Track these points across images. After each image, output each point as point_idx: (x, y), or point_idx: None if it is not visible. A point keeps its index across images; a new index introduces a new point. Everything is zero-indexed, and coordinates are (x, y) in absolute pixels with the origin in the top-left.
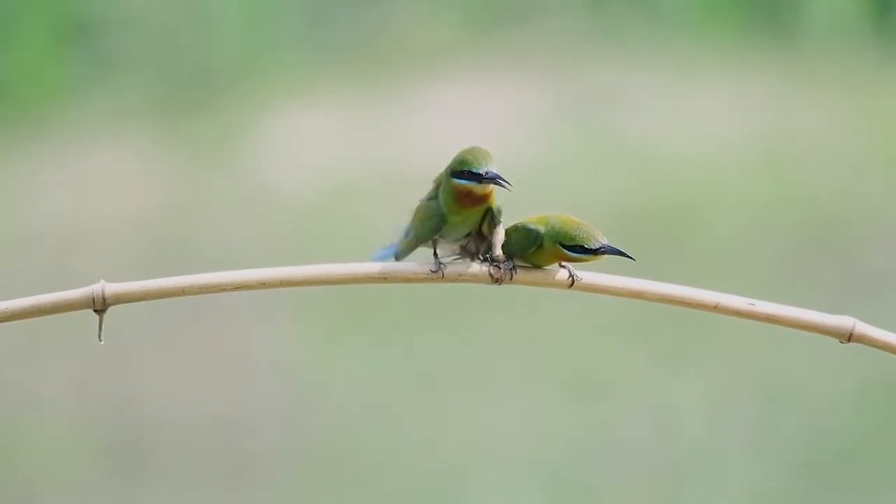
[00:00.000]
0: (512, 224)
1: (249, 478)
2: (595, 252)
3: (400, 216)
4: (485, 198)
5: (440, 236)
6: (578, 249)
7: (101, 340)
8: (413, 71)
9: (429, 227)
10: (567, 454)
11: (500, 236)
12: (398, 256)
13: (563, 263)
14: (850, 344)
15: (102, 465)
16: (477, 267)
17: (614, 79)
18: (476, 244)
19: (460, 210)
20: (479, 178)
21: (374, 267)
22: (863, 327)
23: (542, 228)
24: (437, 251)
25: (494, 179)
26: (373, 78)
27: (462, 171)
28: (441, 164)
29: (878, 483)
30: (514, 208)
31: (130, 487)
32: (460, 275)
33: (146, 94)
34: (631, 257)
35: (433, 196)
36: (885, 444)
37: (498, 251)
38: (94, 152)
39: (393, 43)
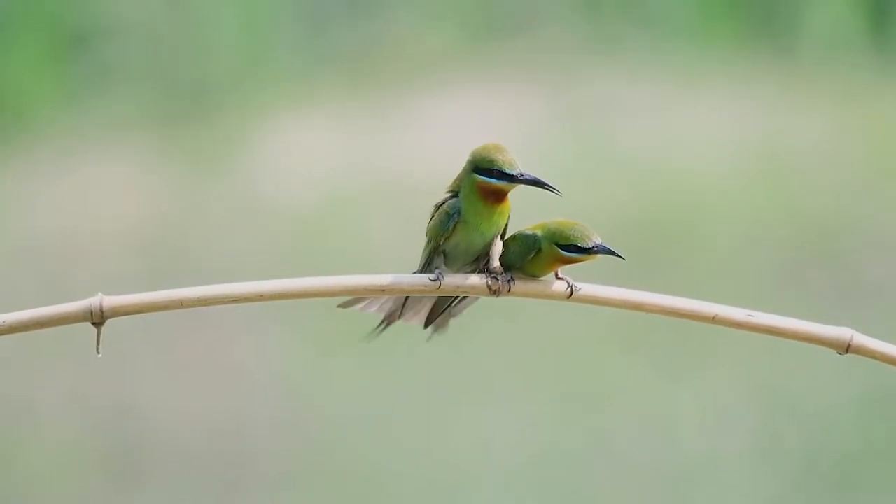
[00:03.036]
0: (509, 235)
1: (246, 488)
2: (589, 251)
3: (397, 226)
4: (505, 197)
5: (448, 257)
6: (573, 249)
7: (98, 353)
8: (410, 81)
9: (439, 228)
10: (566, 464)
11: (497, 248)
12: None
13: (561, 275)
14: (848, 355)
15: (99, 475)
16: (475, 279)
17: (611, 89)
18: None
19: (484, 209)
20: (512, 178)
21: (373, 279)
22: (860, 338)
23: (539, 233)
24: (445, 274)
25: (534, 182)
26: (370, 88)
27: (492, 169)
28: (438, 174)
29: (878, 492)
30: (511, 218)
31: (127, 497)
32: (458, 286)
33: (143, 105)
34: (621, 256)
35: (452, 195)
36: (884, 453)
37: (496, 263)
38: (91, 163)
39: (390, 53)
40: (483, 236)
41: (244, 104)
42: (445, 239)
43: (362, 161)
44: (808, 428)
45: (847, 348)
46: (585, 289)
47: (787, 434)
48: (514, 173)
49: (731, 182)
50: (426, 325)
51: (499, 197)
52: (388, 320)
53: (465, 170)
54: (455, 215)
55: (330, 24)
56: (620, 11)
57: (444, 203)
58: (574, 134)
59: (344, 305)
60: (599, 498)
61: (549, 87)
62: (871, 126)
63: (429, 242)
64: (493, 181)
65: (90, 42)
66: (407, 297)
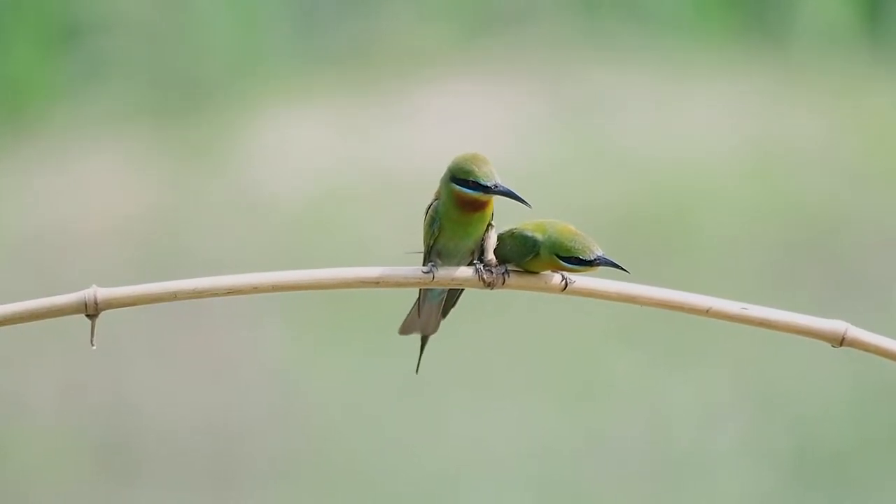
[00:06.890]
0: (507, 229)
1: (239, 482)
2: (590, 263)
3: (392, 220)
4: (486, 205)
5: (442, 255)
6: (574, 261)
7: (93, 345)
8: (404, 76)
9: (427, 230)
10: (560, 458)
11: (492, 240)
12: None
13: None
14: (842, 348)
15: (93, 469)
16: (469, 271)
17: (606, 83)
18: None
19: (460, 216)
20: (486, 189)
21: (367, 272)
22: (855, 331)
23: (539, 237)
24: (439, 267)
25: (507, 193)
26: (364, 83)
27: (467, 180)
28: (433, 170)
29: (871, 486)
30: (507, 214)
31: (121, 491)
32: (452, 278)
33: (137, 99)
34: (625, 269)
35: (434, 200)
36: (877, 448)
37: (490, 255)
38: (85, 157)
39: (384, 48)
40: (467, 238)
41: (239, 98)
42: (434, 240)
43: (357, 156)
44: (802, 422)
45: (841, 341)
46: (580, 281)
47: (782, 428)
48: (490, 184)
49: (726, 176)
50: (443, 316)
51: (476, 206)
52: (424, 338)
53: (443, 178)
54: (437, 221)
55: (325, 20)
56: (615, 7)
57: (430, 206)
58: (569, 129)
59: (402, 333)
60: (594, 492)
61: (545, 83)
62: (866, 120)
63: (424, 242)
64: (469, 191)
65: (85, 36)
66: (423, 309)
